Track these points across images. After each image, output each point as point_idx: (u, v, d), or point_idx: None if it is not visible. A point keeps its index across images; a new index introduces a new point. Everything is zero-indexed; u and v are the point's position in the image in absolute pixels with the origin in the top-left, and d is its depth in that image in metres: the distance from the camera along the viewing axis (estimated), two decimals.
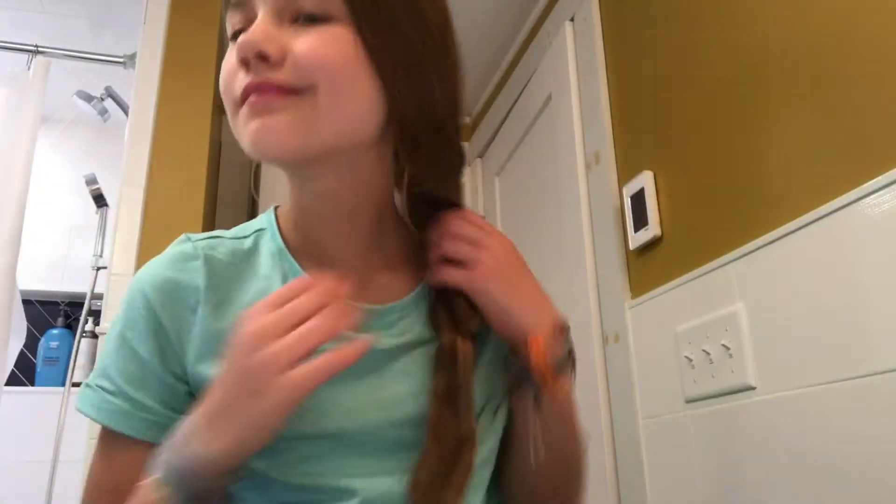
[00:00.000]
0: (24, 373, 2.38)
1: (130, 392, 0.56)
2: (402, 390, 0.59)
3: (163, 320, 0.57)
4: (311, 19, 0.53)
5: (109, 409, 0.56)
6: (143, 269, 0.62)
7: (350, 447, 0.57)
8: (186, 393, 0.57)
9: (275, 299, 0.50)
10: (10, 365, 1.65)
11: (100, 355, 0.60)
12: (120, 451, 0.56)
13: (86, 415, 0.57)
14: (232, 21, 0.57)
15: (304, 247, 0.62)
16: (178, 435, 0.51)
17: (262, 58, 0.52)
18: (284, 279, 0.60)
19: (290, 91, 0.52)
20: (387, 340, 0.60)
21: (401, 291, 0.64)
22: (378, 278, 0.64)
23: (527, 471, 0.65)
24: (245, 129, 0.53)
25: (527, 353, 0.60)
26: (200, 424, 0.50)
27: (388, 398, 0.59)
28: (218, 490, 0.50)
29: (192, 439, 0.49)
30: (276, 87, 0.52)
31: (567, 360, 0.63)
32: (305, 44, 0.52)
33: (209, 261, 0.60)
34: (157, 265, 0.61)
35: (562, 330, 0.64)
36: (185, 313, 0.58)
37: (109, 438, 0.57)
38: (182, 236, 0.63)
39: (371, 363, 0.58)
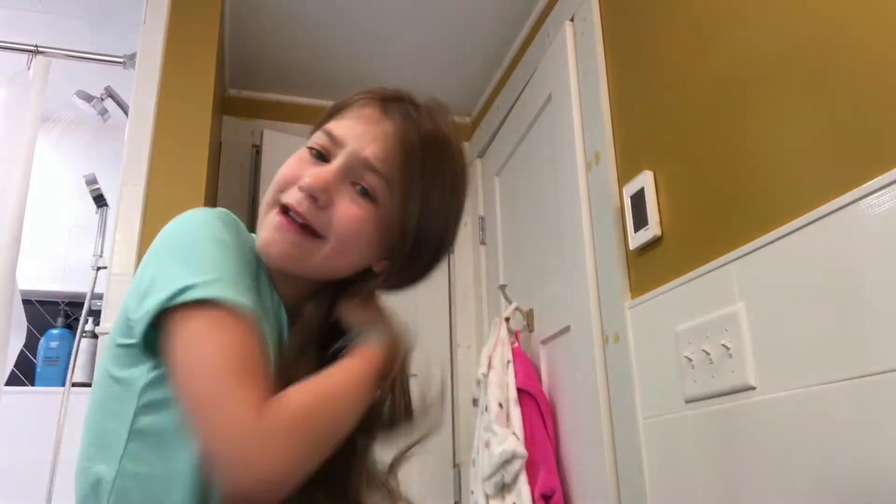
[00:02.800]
0: (24, 373, 2.37)
1: (247, 281, 0.64)
2: None
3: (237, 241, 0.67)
4: (364, 192, 0.69)
5: (245, 297, 0.61)
6: (214, 210, 0.69)
7: None
8: None
9: None
10: (10, 365, 1.65)
11: (198, 261, 0.62)
12: (248, 327, 0.60)
13: (232, 303, 0.59)
14: (318, 139, 0.71)
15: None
16: None
17: (313, 199, 0.67)
18: (268, 285, 0.72)
19: (310, 232, 0.68)
20: None
21: None
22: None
23: None
24: (265, 229, 0.69)
25: None
26: None
27: None
28: None
29: None
30: (301, 228, 0.67)
31: None
32: (346, 211, 0.68)
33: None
34: (228, 214, 0.69)
35: None
36: (246, 249, 0.68)
37: (237, 320, 0.59)
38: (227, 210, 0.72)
39: None
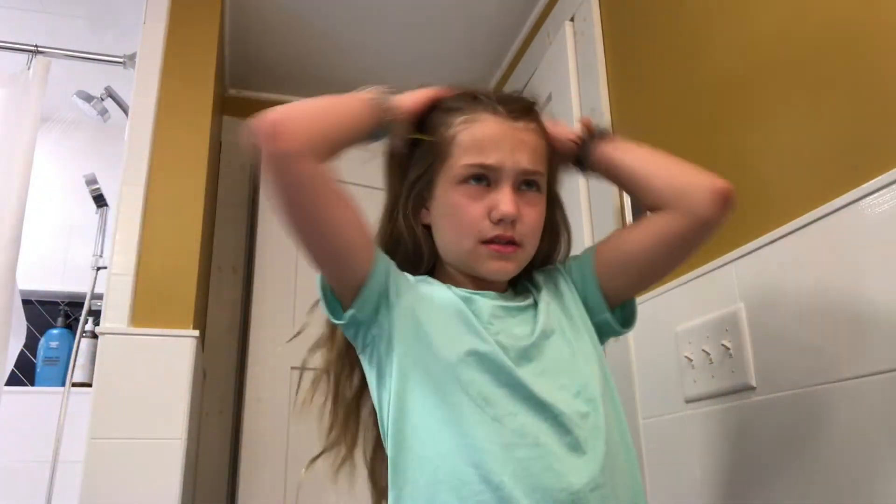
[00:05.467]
0: (24, 373, 2.37)
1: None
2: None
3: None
4: (532, 186, 0.84)
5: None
6: None
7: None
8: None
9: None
10: (10, 365, 1.65)
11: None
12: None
13: None
14: (471, 172, 0.81)
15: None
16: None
17: (513, 223, 0.81)
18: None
19: (517, 245, 0.82)
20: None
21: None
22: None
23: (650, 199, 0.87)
24: (488, 263, 0.82)
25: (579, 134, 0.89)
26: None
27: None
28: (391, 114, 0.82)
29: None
30: (515, 243, 0.81)
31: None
32: (530, 216, 0.83)
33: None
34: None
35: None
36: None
37: None
38: None
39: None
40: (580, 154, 0.89)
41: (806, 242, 0.95)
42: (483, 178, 0.82)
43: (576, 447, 0.74)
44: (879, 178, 0.84)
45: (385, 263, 0.81)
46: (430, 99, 0.87)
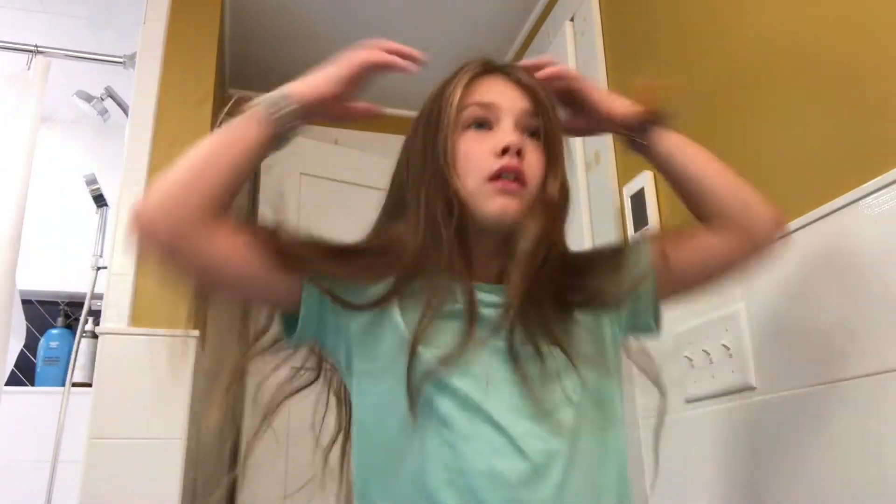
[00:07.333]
0: (24, 373, 2.38)
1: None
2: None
3: None
4: (533, 134, 0.80)
5: None
6: None
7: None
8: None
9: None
10: (10, 365, 1.65)
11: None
12: None
13: None
14: (473, 112, 0.80)
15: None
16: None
17: (519, 153, 0.77)
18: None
19: (523, 183, 0.77)
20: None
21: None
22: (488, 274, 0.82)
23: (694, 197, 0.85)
24: (493, 201, 0.77)
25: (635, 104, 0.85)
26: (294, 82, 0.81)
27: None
28: (290, 117, 0.82)
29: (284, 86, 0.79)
30: (521, 178, 0.77)
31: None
32: (534, 159, 0.79)
33: None
34: None
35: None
36: None
37: None
38: None
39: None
40: (636, 131, 0.85)
41: (806, 242, 0.95)
42: (485, 122, 0.80)
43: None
44: (879, 178, 0.84)
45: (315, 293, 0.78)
46: (358, 70, 0.86)
